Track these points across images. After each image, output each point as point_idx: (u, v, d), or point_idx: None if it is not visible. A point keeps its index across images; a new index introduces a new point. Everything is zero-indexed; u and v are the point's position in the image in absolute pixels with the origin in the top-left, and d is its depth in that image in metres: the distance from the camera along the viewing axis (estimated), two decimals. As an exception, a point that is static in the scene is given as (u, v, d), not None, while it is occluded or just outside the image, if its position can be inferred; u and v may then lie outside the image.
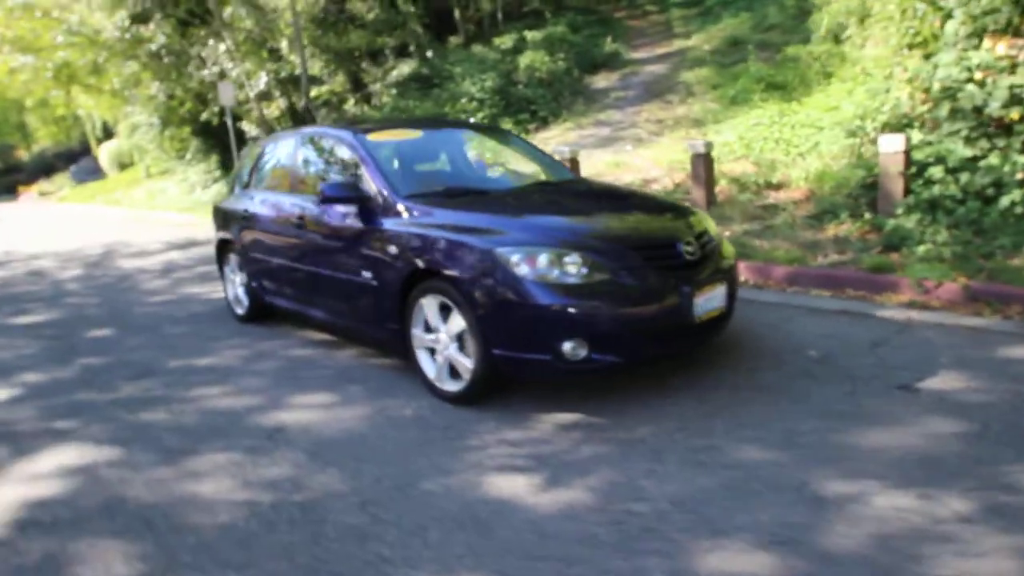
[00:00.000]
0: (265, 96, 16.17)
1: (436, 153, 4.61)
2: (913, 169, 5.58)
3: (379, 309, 3.77)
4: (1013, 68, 5.54)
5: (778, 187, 7.49)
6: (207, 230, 13.86)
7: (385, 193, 3.76)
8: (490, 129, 4.98)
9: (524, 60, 15.00)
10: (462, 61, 15.35)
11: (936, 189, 5.36)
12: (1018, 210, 5.00)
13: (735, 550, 2.16)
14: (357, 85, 18.71)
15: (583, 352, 3.03)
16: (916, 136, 6.37)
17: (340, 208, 3.96)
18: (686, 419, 3.05)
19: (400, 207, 3.66)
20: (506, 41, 16.99)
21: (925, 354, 3.61)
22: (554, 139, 12.16)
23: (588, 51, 16.30)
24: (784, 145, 8.72)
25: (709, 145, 7.04)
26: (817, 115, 9.20)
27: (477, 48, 17.01)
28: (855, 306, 4.50)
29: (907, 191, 5.61)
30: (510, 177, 4.51)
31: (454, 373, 3.43)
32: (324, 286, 4.21)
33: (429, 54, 18.72)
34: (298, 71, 16.24)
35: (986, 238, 4.84)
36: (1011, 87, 5.39)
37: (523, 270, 3.06)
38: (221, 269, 5.66)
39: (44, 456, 3.23)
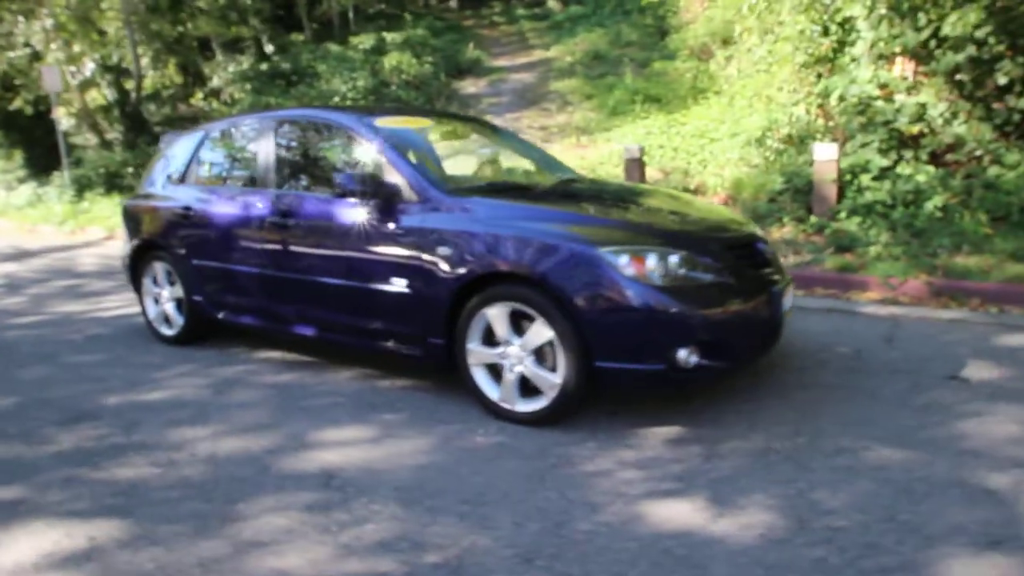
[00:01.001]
0: (88, 84, 13.97)
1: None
2: (847, 176, 6.04)
3: (416, 322, 3.25)
4: (916, 87, 6.20)
5: (695, 192, 7.80)
6: (32, 238, 11.66)
7: (420, 186, 3.26)
8: (483, 123, 4.55)
9: (390, 61, 14.43)
10: (325, 58, 14.39)
11: (868, 195, 5.83)
12: (939, 214, 5.58)
13: (966, 556, 2.06)
14: (196, 78, 16.90)
15: (695, 359, 2.81)
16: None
17: (353, 204, 3.37)
18: (791, 423, 2.94)
19: (445, 203, 3.19)
20: (364, 41, 16.26)
21: (939, 345, 3.84)
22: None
23: (452, 56, 16.06)
24: (683, 154, 9.12)
25: (642, 150, 7.15)
26: (704, 126, 9.75)
27: (333, 46, 16.11)
28: (839, 304, 4.73)
29: (839, 197, 6.06)
30: (534, 173, 4.12)
31: (524, 391, 3.04)
32: (323, 297, 3.57)
33: (270, 49, 17.41)
34: (125, 59, 14.26)
35: (923, 239, 5.33)
36: (917, 104, 6.03)
37: (631, 272, 2.76)
38: (136, 282, 4.66)
39: (11, 541, 2.34)
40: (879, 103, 6.24)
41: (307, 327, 3.76)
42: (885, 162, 6.06)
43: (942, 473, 2.51)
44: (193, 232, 4.14)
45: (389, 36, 16.43)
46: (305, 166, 3.80)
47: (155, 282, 4.54)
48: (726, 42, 12.07)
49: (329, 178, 3.59)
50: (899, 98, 6.17)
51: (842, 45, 7.13)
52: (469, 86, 15.08)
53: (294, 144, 3.87)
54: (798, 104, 7.32)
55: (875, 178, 5.93)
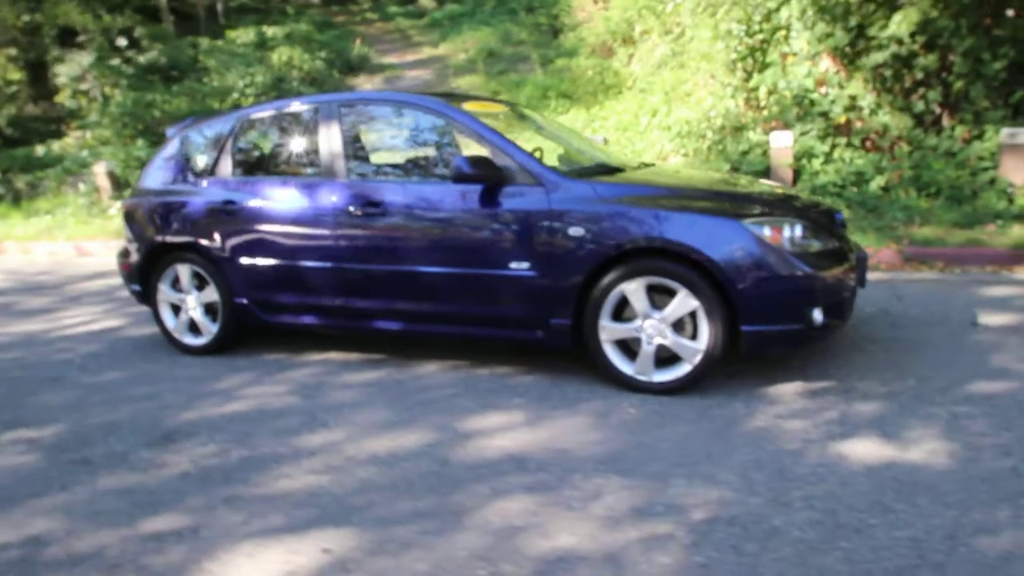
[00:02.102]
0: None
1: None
2: (801, 161, 6.70)
3: (539, 304, 3.26)
4: (848, 80, 7.00)
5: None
6: None
7: (537, 170, 3.27)
8: (515, 107, 4.53)
9: (279, 56, 13.74)
10: (211, 53, 13.38)
11: (821, 177, 6.52)
12: (881, 193, 6.36)
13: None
14: (37, 73, 15.05)
15: (821, 318, 3.08)
16: (753, 136, 7.62)
17: (462, 189, 3.31)
18: (890, 370, 3.29)
19: (569, 185, 3.22)
20: (242, 35, 15.35)
21: (941, 300, 4.42)
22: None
23: (340, 52, 15.55)
24: (615, 146, 9.55)
25: (606, 140, 7.43)
26: (627, 120, 10.26)
27: (204, 40, 15.02)
28: (832, 272, 5.28)
29: (795, 180, 6.71)
30: (599, 155, 4.15)
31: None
32: (421, 288, 3.45)
33: (123, 42, 15.94)
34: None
35: (878, 214, 6.06)
36: (849, 96, 6.83)
37: (773, 242, 2.99)
38: (147, 289, 4.18)
39: (233, 569, 2.10)
40: (815, 95, 6.98)
41: (392, 322, 3.61)
42: (825, 148, 6.80)
43: (1041, 395, 2.97)
44: (238, 228, 3.81)
45: (270, 30, 15.61)
46: (390, 152, 3.64)
47: (175, 287, 4.12)
48: (626, 40, 12.77)
49: (424, 164, 3.48)
50: (832, 91, 6.94)
51: (766, 43, 7.85)
52: (364, 83, 14.70)
53: (369, 130, 3.69)
54: (734, 97, 7.95)
55: (824, 163, 6.63)
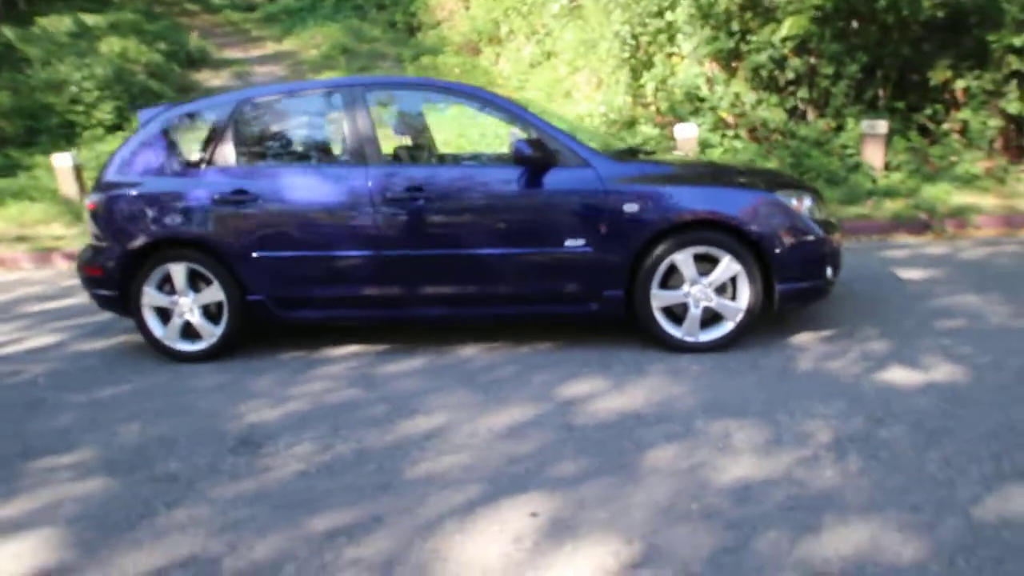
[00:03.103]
0: None
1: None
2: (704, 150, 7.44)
3: (594, 278, 3.45)
4: (731, 80, 7.89)
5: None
6: None
7: (585, 152, 3.45)
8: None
9: (109, 46, 12.38)
10: (31, 41, 11.66)
11: (721, 164, 7.29)
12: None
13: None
14: None
15: (832, 274, 3.60)
16: (645, 130, 8.34)
17: (514, 171, 3.40)
18: (882, 315, 3.90)
19: (617, 165, 3.45)
20: (55, 22, 13.60)
21: (878, 262, 5.23)
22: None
23: (180, 45, 14.30)
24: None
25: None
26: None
27: (5, 28, 13.08)
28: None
29: (697, 167, 7.43)
30: (601, 139, 4.33)
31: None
32: (469, 271, 3.49)
33: None
34: None
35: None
36: (734, 93, 7.71)
37: (798, 211, 3.44)
38: (124, 294, 3.73)
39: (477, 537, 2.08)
40: (706, 92, 7.79)
41: (433, 308, 3.60)
42: (716, 138, 7.63)
43: (1002, 319, 3.71)
44: (253, 219, 3.55)
45: (91, 19, 13.95)
46: (427, 137, 3.58)
47: (164, 290, 3.73)
48: (492, 40, 13.12)
49: (468, 148, 3.50)
50: (719, 88, 7.79)
51: (652, 45, 8.58)
52: (211, 78, 13.65)
53: (399, 115, 3.61)
54: (626, 94, 8.59)
55: (722, 152, 7.44)
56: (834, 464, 2.41)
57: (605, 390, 3.14)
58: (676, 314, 3.52)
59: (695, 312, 3.48)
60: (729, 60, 7.76)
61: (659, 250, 3.41)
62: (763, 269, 3.42)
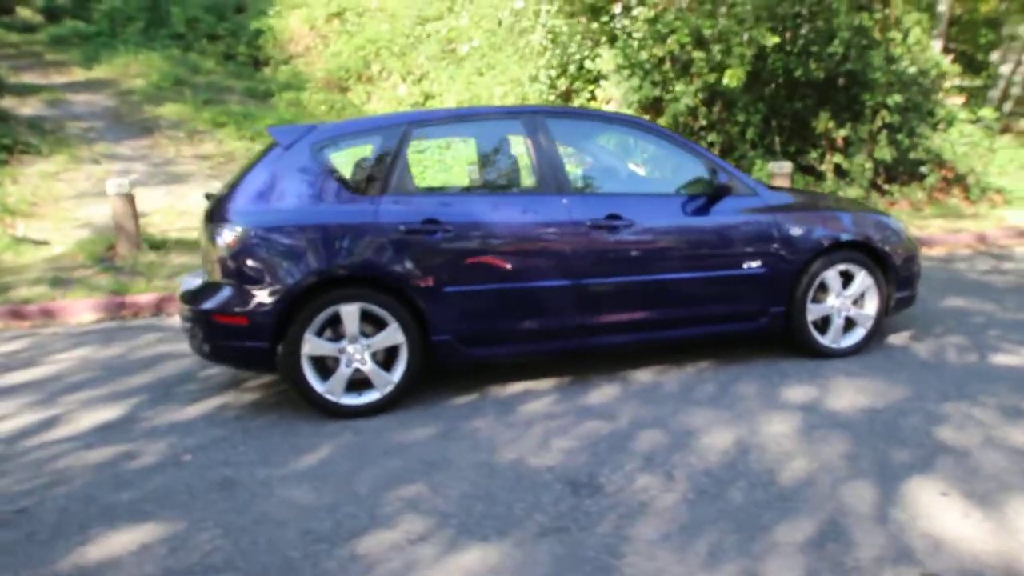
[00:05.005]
0: None
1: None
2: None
3: (765, 296, 3.77)
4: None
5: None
6: None
7: (750, 183, 3.79)
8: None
9: None
10: None
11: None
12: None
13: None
14: None
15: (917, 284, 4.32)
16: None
17: (700, 201, 3.62)
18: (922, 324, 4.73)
19: (773, 194, 3.83)
20: None
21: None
22: (76, 175, 9.01)
23: (-37, 64, 11.85)
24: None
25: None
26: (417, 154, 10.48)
27: None
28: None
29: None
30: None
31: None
32: (659, 296, 3.62)
33: None
34: None
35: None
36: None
37: (901, 230, 4.10)
38: (274, 346, 3.19)
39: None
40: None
41: (619, 334, 3.63)
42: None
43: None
44: (447, 252, 3.28)
45: None
46: (615, 167, 3.59)
47: (331, 337, 3.26)
48: (361, 78, 12.83)
49: (651, 177, 3.60)
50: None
51: (573, 92, 9.20)
52: (20, 106, 11.47)
53: (578, 143, 3.58)
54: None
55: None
56: (1076, 426, 3.00)
57: (821, 393, 3.45)
58: (818, 325, 3.98)
59: (838, 322, 3.96)
60: (652, 107, 8.63)
61: (814, 268, 3.84)
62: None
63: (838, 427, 3.06)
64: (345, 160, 3.46)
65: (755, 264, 3.74)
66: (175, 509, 2.55)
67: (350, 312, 3.26)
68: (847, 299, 3.96)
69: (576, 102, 9.21)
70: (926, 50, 8.54)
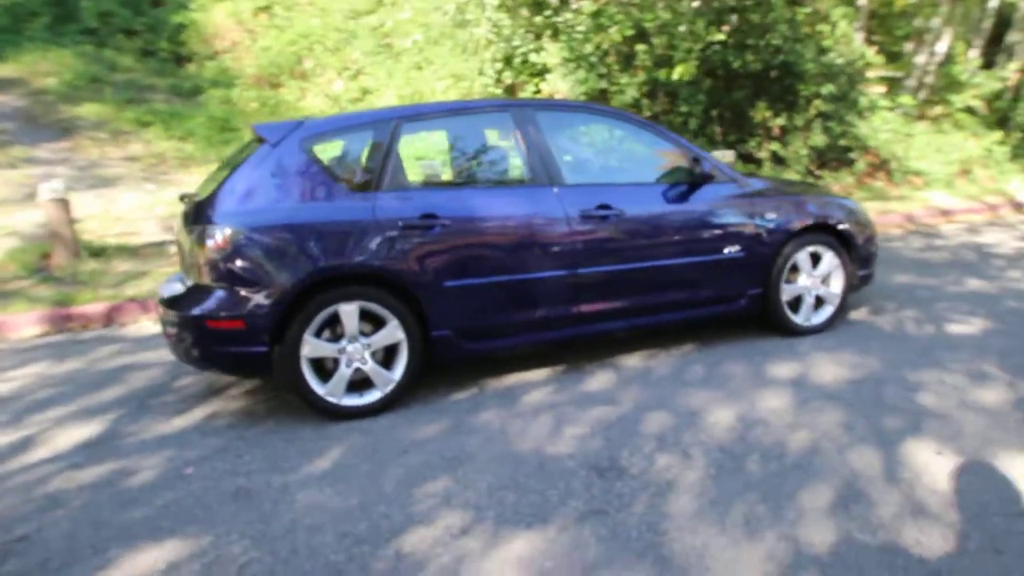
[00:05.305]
0: None
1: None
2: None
3: (745, 279, 3.93)
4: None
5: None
6: None
7: (728, 171, 3.93)
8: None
9: None
10: None
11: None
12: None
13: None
14: None
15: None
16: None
17: (684, 189, 3.73)
18: (880, 296, 5.02)
19: (749, 181, 3.99)
20: None
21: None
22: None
23: None
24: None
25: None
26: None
27: None
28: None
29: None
30: None
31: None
32: (651, 283, 3.72)
33: None
34: None
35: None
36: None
37: (860, 212, 4.35)
38: (280, 340, 3.10)
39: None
40: (580, 128, 8.67)
41: (613, 321, 3.70)
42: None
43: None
44: (447, 245, 3.26)
45: None
46: (601, 157, 3.63)
47: (329, 337, 3.18)
48: (294, 74, 12.45)
49: (635, 167, 3.66)
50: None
51: (519, 85, 9.24)
52: (-84, 106, 10.56)
53: (566, 136, 3.61)
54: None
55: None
56: (1037, 385, 3.27)
57: (804, 368, 3.64)
58: (790, 304, 4.17)
59: (809, 300, 4.17)
60: (598, 100, 8.76)
61: (787, 250, 4.03)
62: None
63: (828, 399, 3.24)
64: (336, 156, 3.39)
65: (735, 248, 3.89)
66: (194, 524, 2.45)
67: (349, 311, 3.20)
68: (816, 279, 4.17)
69: (521, 96, 9.26)
70: (851, 42, 9.04)
